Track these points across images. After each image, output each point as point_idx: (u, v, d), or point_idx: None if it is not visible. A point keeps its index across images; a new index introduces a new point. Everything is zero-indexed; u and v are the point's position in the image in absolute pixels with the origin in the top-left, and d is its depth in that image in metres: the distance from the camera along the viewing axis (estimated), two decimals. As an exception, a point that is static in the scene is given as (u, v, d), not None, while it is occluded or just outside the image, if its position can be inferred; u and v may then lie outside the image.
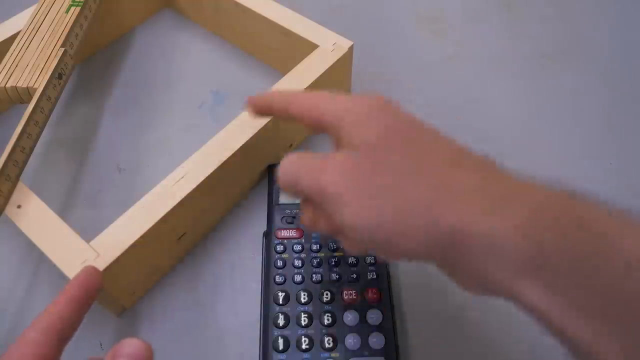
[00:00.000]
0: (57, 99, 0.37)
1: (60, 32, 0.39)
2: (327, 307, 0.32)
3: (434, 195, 0.21)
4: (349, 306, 0.32)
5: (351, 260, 0.33)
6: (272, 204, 0.36)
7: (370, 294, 0.32)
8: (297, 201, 0.36)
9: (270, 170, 0.38)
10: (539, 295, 0.19)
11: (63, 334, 0.24)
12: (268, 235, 0.35)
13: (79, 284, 0.26)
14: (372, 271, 0.33)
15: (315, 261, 0.33)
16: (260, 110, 0.31)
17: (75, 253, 0.29)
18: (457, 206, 0.21)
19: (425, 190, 0.21)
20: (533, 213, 0.20)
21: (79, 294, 0.26)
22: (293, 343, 0.30)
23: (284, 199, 0.37)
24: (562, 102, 0.45)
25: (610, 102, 0.45)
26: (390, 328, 0.31)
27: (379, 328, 0.31)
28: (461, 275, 0.22)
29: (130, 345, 0.23)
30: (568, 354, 0.20)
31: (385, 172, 0.23)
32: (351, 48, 0.40)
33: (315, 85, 0.38)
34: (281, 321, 0.31)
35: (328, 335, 0.30)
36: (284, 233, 0.35)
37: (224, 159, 0.33)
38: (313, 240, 0.34)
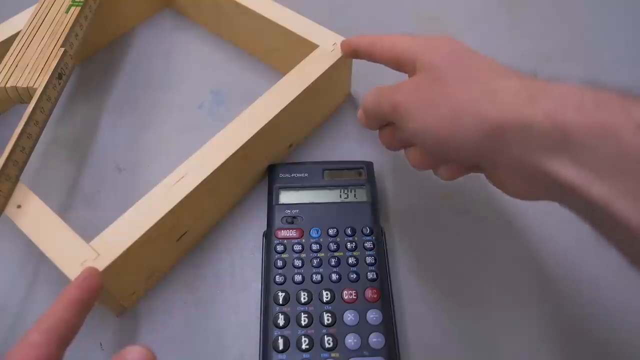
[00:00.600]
0: (57, 99, 0.37)
1: (60, 32, 0.39)
2: (327, 307, 0.32)
3: (481, 98, 0.25)
4: (349, 306, 0.32)
5: (351, 260, 0.33)
6: (272, 204, 0.36)
7: (370, 294, 0.32)
8: (297, 201, 0.36)
9: (270, 170, 0.38)
10: (566, 169, 0.22)
11: (64, 336, 0.25)
12: (268, 235, 0.35)
13: (79, 285, 0.27)
14: (372, 271, 0.33)
15: (315, 261, 0.33)
16: (350, 53, 0.38)
17: (75, 253, 0.29)
18: (499, 104, 0.25)
19: (474, 95, 0.26)
20: (560, 101, 0.23)
21: (80, 295, 0.26)
22: (293, 343, 0.30)
23: (284, 199, 0.37)
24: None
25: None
26: (390, 328, 0.31)
27: (379, 328, 0.31)
28: (503, 167, 0.26)
29: (133, 352, 0.23)
30: (590, 226, 0.24)
31: (443, 84, 0.27)
32: (351, 48, 0.40)
33: (315, 85, 0.38)
34: (281, 321, 0.31)
35: (328, 335, 0.30)
36: (284, 233, 0.35)
37: (224, 159, 0.33)
38: (313, 240, 0.34)
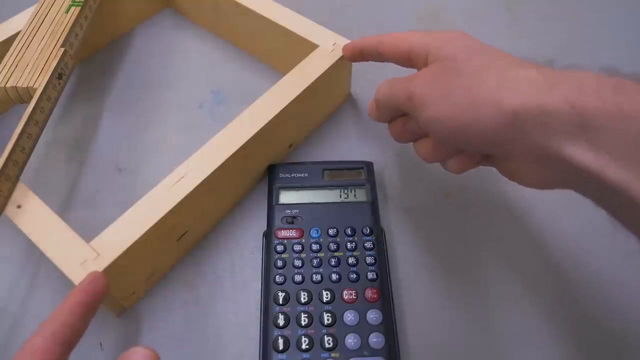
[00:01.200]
0: (57, 99, 0.37)
1: (60, 32, 0.39)
2: (327, 307, 0.32)
3: (498, 86, 0.26)
4: (349, 306, 0.32)
5: (351, 260, 0.33)
6: (272, 204, 0.36)
7: (370, 294, 0.32)
8: (297, 201, 0.36)
9: (271, 170, 0.38)
10: (584, 153, 0.22)
11: (69, 340, 0.25)
12: (268, 235, 0.35)
13: (85, 289, 0.27)
14: (372, 271, 0.33)
15: (315, 261, 0.33)
16: (353, 56, 0.37)
17: (75, 253, 0.29)
18: (517, 91, 0.25)
19: (492, 84, 0.26)
20: (578, 87, 0.23)
21: (85, 299, 0.26)
22: (293, 343, 0.30)
23: (284, 198, 0.37)
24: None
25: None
26: (390, 328, 0.31)
27: (379, 328, 0.31)
28: (520, 155, 0.26)
29: (137, 353, 0.23)
30: (606, 211, 0.24)
31: (460, 74, 0.28)
32: (351, 48, 0.40)
33: (315, 85, 0.38)
34: (281, 321, 0.31)
35: (328, 335, 0.30)
36: (284, 233, 0.35)
37: (224, 159, 0.33)
38: (313, 240, 0.34)
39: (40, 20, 0.39)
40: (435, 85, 0.28)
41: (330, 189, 0.37)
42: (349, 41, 0.40)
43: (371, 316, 0.31)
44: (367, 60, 0.37)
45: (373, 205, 0.36)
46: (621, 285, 0.34)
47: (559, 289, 0.35)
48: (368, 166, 0.38)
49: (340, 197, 0.37)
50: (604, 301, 0.34)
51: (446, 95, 0.28)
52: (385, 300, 0.32)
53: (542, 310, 0.34)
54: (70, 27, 0.39)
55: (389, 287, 0.33)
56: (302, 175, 0.38)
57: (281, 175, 0.38)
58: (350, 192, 0.37)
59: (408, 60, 0.32)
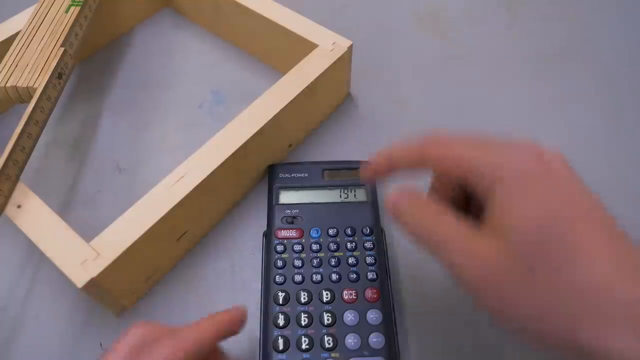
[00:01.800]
0: (57, 98, 0.37)
1: (60, 32, 0.39)
2: (327, 307, 0.32)
3: (582, 311, 0.19)
4: (349, 306, 0.32)
5: (351, 260, 0.33)
6: (272, 204, 0.36)
7: (370, 294, 0.32)
8: (297, 201, 0.36)
9: (271, 170, 0.38)
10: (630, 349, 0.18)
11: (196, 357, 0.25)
12: (268, 235, 0.35)
13: (231, 319, 0.28)
14: (372, 271, 0.33)
15: (315, 261, 0.33)
16: (380, 172, 0.26)
17: (75, 253, 0.29)
18: (603, 330, 0.19)
19: (570, 302, 0.19)
20: None
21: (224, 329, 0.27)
22: (293, 343, 0.30)
23: (284, 198, 0.37)
24: (563, 102, 0.45)
25: (611, 101, 0.45)
26: (390, 328, 0.31)
27: (379, 328, 0.31)
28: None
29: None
30: None
31: (529, 270, 0.20)
32: (350, 47, 0.40)
33: (315, 85, 0.38)
34: (281, 321, 0.31)
35: (328, 335, 0.30)
36: (284, 233, 0.35)
37: (224, 159, 0.33)
38: (313, 240, 0.34)
39: (40, 20, 0.39)
40: (499, 285, 0.21)
41: (330, 189, 0.37)
42: (347, 41, 0.40)
43: (371, 316, 0.31)
44: (395, 175, 0.26)
45: (373, 205, 0.36)
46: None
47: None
48: (368, 166, 0.38)
49: (340, 197, 0.37)
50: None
51: (510, 303, 0.21)
52: (385, 300, 0.32)
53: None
54: (70, 27, 0.39)
55: (389, 287, 0.33)
56: (302, 175, 0.38)
57: (281, 175, 0.38)
58: (351, 192, 0.37)
59: (464, 184, 0.23)
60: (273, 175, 0.38)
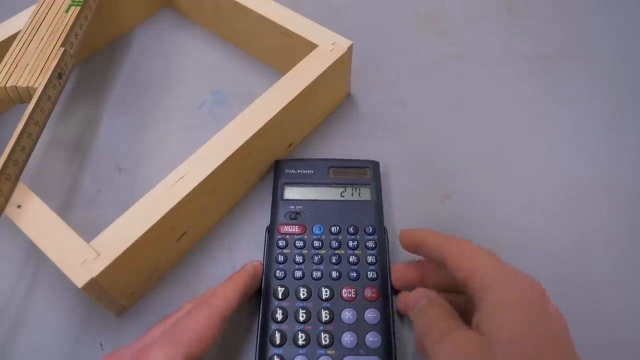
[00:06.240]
0: (57, 98, 0.37)
1: (60, 31, 0.39)
2: (325, 304, 0.32)
3: None
4: (347, 304, 0.32)
5: (352, 258, 0.33)
6: (276, 199, 0.36)
7: (370, 293, 0.32)
8: (301, 197, 0.36)
9: (276, 165, 0.38)
10: None
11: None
12: (271, 230, 0.35)
13: (250, 277, 0.32)
14: (372, 270, 0.33)
15: (316, 258, 0.33)
16: (411, 245, 0.32)
17: (75, 253, 0.29)
18: None
19: None
20: None
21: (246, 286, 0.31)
22: (290, 338, 0.30)
23: (288, 194, 0.37)
24: (562, 101, 0.45)
25: (611, 102, 0.45)
26: (387, 328, 0.31)
27: (376, 327, 0.31)
28: None
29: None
30: None
31: None
32: (350, 48, 0.40)
33: (315, 84, 0.38)
34: (279, 316, 0.31)
35: (325, 332, 0.30)
36: (287, 228, 0.35)
37: (224, 159, 0.33)
38: (315, 237, 0.34)
39: (40, 20, 0.39)
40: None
41: (335, 187, 0.37)
42: (347, 41, 0.40)
43: (369, 315, 0.31)
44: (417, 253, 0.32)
45: (377, 205, 0.36)
46: (620, 289, 0.34)
47: (558, 292, 0.35)
48: (374, 165, 0.38)
49: (345, 195, 0.37)
50: (604, 302, 0.34)
51: None
52: (384, 300, 0.32)
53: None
54: (70, 27, 0.39)
55: (388, 287, 0.33)
56: (308, 171, 0.38)
57: (287, 171, 0.38)
58: (355, 190, 0.37)
59: (464, 286, 0.27)
60: (279, 171, 0.38)
